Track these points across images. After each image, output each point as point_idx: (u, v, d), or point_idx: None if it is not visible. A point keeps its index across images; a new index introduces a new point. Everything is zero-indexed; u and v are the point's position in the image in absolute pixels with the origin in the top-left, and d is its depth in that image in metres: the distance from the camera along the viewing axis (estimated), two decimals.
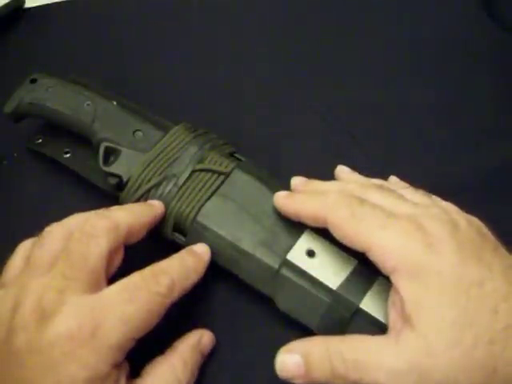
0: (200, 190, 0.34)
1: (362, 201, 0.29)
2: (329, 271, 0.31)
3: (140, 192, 0.34)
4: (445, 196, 0.32)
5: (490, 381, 0.25)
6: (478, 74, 0.44)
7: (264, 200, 0.33)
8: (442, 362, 0.25)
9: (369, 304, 0.30)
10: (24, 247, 0.32)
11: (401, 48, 0.45)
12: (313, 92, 0.43)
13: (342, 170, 0.35)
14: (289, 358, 0.28)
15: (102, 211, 0.32)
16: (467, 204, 0.30)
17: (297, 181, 0.34)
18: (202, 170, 0.34)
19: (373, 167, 0.38)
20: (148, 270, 0.30)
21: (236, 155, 0.36)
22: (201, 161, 0.35)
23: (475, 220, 0.30)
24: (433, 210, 0.29)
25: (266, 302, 0.33)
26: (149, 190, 0.34)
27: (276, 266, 0.31)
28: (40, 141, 0.41)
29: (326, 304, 0.30)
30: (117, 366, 0.28)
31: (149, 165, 0.35)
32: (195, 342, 0.32)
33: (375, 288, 0.30)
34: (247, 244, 0.32)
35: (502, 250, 0.28)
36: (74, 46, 0.47)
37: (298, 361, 0.28)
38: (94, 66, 0.45)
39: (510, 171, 0.39)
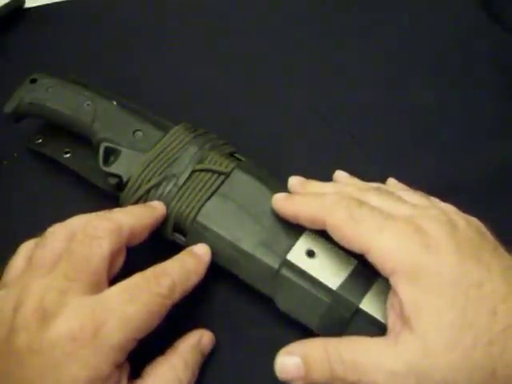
0: (200, 190, 0.34)
1: (360, 203, 0.29)
2: (329, 271, 0.31)
3: (140, 192, 0.34)
4: (445, 196, 0.32)
5: (489, 382, 0.25)
6: (478, 74, 0.44)
7: (264, 200, 0.33)
8: (440, 363, 0.25)
9: (369, 304, 0.30)
10: (26, 247, 0.32)
11: (401, 48, 0.45)
12: (313, 92, 0.43)
13: (340, 175, 0.35)
14: (288, 360, 0.28)
15: (104, 213, 0.32)
16: (467, 204, 0.30)
17: (294, 181, 0.34)
18: (201, 170, 0.34)
19: (373, 167, 0.38)
20: (149, 272, 0.30)
21: (236, 155, 0.36)
22: (201, 161, 0.35)
23: (474, 220, 0.30)
24: (431, 211, 0.29)
25: (266, 302, 0.33)
26: (149, 190, 0.34)
27: (276, 266, 0.31)
28: (40, 141, 0.41)
29: (325, 304, 0.30)
30: (118, 366, 0.28)
31: (149, 165, 0.35)
32: (195, 342, 0.32)
33: (375, 288, 0.30)
34: (247, 244, 0.32)
35: (501, 251, 0.28)
36: (73, 46, 0.47)
37: (298, 362, 0.28)
38: (93, 66, 0.45)
39: (510, 171, 0.39)
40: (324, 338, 0.29)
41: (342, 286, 0.30)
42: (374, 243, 0.28)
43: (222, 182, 0.34)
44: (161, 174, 0.35)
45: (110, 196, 0.36)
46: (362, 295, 0.30)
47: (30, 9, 0.50)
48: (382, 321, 0.29)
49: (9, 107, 0.38)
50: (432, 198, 0.32)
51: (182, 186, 0.34)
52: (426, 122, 0.42)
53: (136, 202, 0.34)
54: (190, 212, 0.33)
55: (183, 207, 0.34)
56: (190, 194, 0.34)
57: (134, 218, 0.31)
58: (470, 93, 0.43)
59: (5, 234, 0.38)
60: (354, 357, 0.27)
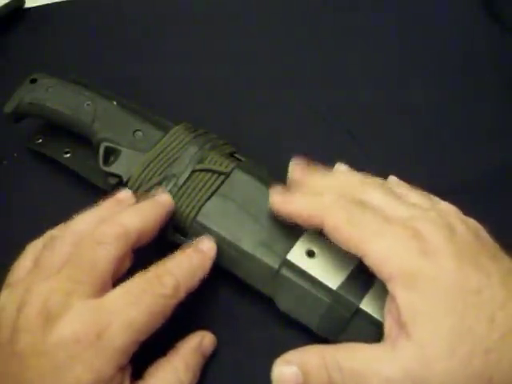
0: (200, 190, 0.34)
1: (358, 203, 0.29)
2: (329, 271, 0.31)
3: (140, 192, 0.34)
4: (445, 196, 0.31)
5: None
6: (478, 74, 0.44)
7: (264, 200, 0.33)
8: (437, 370, 0.25)
9: (369, 304, 0.30)
10: (33, 248, 0.32)
11: (401, 48, 0.45)
12: (313, 92, 0.43)
13: (340, 169, 0.35)
14: (286, 369, 0.28)
15: (111, 216, 0.31)
16: (467, 204, 0.30)
17: (295, 168, 0.33)
18: (202, 170, 0.34)
19: (373, 167, 0.38)
20: (152, 271, 0.30)
21: (236, 155, 0.36)
22: (201, 161, 0.35)
23: (473, 222, 0.29)
24: (430, 213, 0.29)
25: (266, 302, 0.33)
26: (149, 190, 0.34)
27: (276, 266, 0.31)
28: (40, 141, 0.41)
29: (325, 304, 0.30)
30: (121, 368, 0.27)
31: (149, 165, 0.35)
32: (197, 344, 0.32)
33: (375, 288, 0.30)
34: (247, 244, 0.32)
35: (501, 254, 0.28)
36: (73, 46, 0.47)
37: (296, 371, 0.27)
38: (93, 65, 0.45)
39: (510, 171, 0.39)
40: (321, 345, 0.29)
41: (341, 286, 0.30)
42: (371, 247, 0.27)
43: (222, 182, 0.34)
44: (161, 173, 0.35)
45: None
46: (362, 295, 0.30)
47: (29, 9, 0.50)
48: (382, 321, 0.29)
49: (9, 107, 0.38)
50: (432, 196, 0.32)
51: (181, 186, 0.34)
52: (426, 122, 0.42)
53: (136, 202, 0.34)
54: (190, 212, 0.33)
55: (183, 207, 0.33)
56: (189, 194, 0.34)
57: (141, 221, 0.31)
58: (470, 93, 0.43)
59: (5, 233, 0.38)
60: (351, 364, 0.27)
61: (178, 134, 0.36)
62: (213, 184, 0.34)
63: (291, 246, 0.32)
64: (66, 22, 0.49)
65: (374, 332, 0.29)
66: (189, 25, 0.48)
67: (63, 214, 0.34)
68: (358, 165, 0.36)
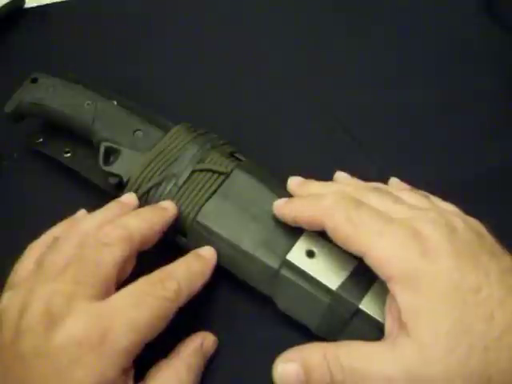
0: (200, 190, 0.34)
1: (359, 204, 0.29)
2: (328, 272, 0.31)
3: (140, 192, 0.34)
4: (445, 196, 0.32)
5: None
6: (478, 74, 0.44)
7: (264, 200, 0.33)
8: (437, 369, 0.25)
9: (368, 304, 0.30)
10: (37, 249, 0.32)
11: (401, 48, 0.45)
12: (313, 92, 0.43)
13: (340, 176, 0.35)
14: (287, 367, 0.28)
15: (115, 219, 0.31)
16: (467, 204, 0.30)
17: (294, 181, 0.34)
18: (202, 170, 0.34)
19: (373, 167, 0.38)
20: (155, 275, 0.30)
21: (236, 155, 0.36)
22: (201, 161, 0.35)
23: (473, 221, 0.29)
24: (430, 213, 0.29)
25: (266, 302, 0.33)
26: (149, 190, 0.34)
27: (276, 266, 0.31)
28: (40, 140, 0.41)
29: (325, 304, 0.30)
30: (124, 371, 0.27)
31: (149, 165, 0.35)
32: (198, 346, 0.32)
33: (375, 288, 0.30)
34: (247, 244, 0.32)
35: (501, 253, 0.28)
36: (73, 46, 0.47)
37: (297, 369, 0.27)
38: (94, 65, 0.45)
39: (510, 171, 0.39)
40: (322, 343, 0.29)
41: (341, 287, 0.30)
42: (371, 247, 0.28)
43: (222, 182, 0.34)
44: (161, 173, 0.35)
45: (110, 196, 0.36)
46: (362, 295, 0.30)
47: (29, 9, 0.51)
48: (382, 321, 0.29)
49: (9, 107, 0.38)
50: (432, 197, 0.32)
51: (182, 186, 0.34)
52: (426, 122, 0.42)
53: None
54: (190, 212, 0.33)
55: (183, 207, 0.34)
56: (190, 194, 0.34)
57: (145, 225, 0.31)
58: (470, 93, 0.43)
59: (5, 234, 0.38)
60: (352, 363, 0.27)
61: (178, 133, 0.36)
62: (213, 184, 0.34)
63: (291, 246, 0.32)
64: (66, 22, 0.49)
65: (373, 332, 0.29)
66: (189, 25, 0.48)
67: (63, 213, 0.34)
68: (358, 165, 0.36)
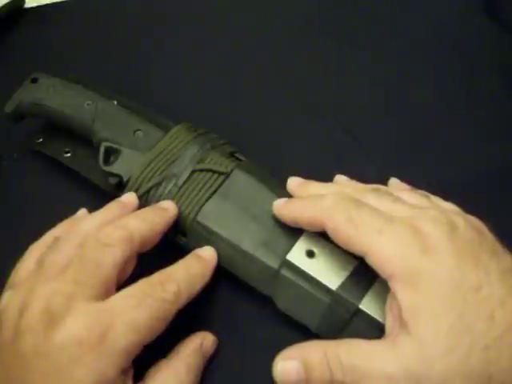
0: (200, 190, 0.34)
1: (359, 204, 0.29)
2: (328, 272, 0.31)
3: (140, 192, 0.34)
4: (445, 196, 0.32)
5: None
6: (477, 74, 0.44)
7: (264, 200, 0.33)
8: (437, 368, 0.25)
9: (368, 304, 0.30)
10: (37, 249, 0.32)
11: (401, 48, 0.45)
12: (313, 92, 0.43)
13: (340, 180, 0.35)
14: (287, 365, 0.28)
15: (115, 219, 0.31)
16: (467, 204, 0.30)
17: (293, 182, 0.34)
18: (202, 170, 0.34)
19: (372, 167, 0.38)
20: (155, 277, 0.30)
21: (236, 155, 0.36)
22: (201, 161, 0.35)
23: (474, 220, 0.29)
24: (430, 211, 0.29)
25: (266, 302, 0.33)
26: (149, 190, 0.34)
27: (276, 266, 0.31)
28: (40, 140, 0.41)
29: (325, 304, 0.30)
30: (123, 371, 0.28)
31: (149, 165, 0.35)
32: (198, 346, 0.32)
33: (375, 288, 0.30)
34: (247, 244, 0.32)
35: (501, 252, 0.28)
36: (73, 46, 0.48)
37: (298, 367, 0.28)
38: (94, 65, 0.45)
39: (510, 171, 0.39)
40: (322, 340, 0.29)
41: (341, 287, 0.30)
42: (372, 246, 0.28)
43: (222, 182, 0.34)
44: (161, 173, 0.35)
45: (110, 196, 0.36)
46: (362, 295, 0.30)
47: (29, 9, 0.51)
48: (382, 321, 0.29)
49: (9, 107, 0.38)
50: (433, 196, 0.32)
51: (182, 186, 0.34)
52: (426, 122, 0.42)
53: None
54: (190, 212, 0.33)
55: (183, 207, 0.34)
56: (190, 194, 0.34)
57: (146, 226, 0.31)
58: (470, 93, 0.43)
59: (5, 234, 0.38)
60: (352, 360, 0.27)
61: (178, 133, 0.36)
62: (213, 184, 0.34)
63: (291, 246, 0.32)
64: (66, 22, 0.49)
65: (373, 332, 0.29)
66: (189, 25, 0.48)
67: (63, 213, 0.34)
68: (357, 165, 0.36)
